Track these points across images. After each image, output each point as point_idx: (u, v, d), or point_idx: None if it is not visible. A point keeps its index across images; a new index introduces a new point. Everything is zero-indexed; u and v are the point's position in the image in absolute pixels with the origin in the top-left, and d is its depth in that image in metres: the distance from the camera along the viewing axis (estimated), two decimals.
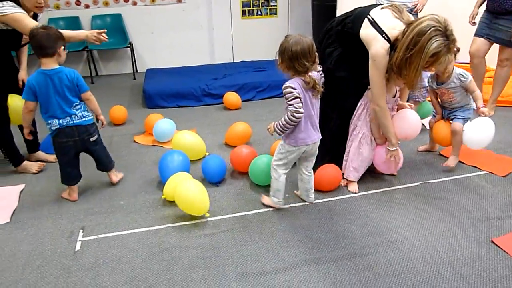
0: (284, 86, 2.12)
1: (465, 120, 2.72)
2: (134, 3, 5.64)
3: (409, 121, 2.52)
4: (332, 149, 2.68)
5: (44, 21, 5.38)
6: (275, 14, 6.17)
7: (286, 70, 2.14)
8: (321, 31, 2.65)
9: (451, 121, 2.76)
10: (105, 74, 5.84)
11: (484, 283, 1.83)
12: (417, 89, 3.13)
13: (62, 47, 2.37)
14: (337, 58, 2.48)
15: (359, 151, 2.56)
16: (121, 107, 3.90)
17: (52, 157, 3.06)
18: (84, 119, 2.47)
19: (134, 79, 5.54)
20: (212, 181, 2.70)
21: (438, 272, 1.90)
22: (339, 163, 2.66)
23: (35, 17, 2.71)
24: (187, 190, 2.26)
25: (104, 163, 2.67)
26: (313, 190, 2.48)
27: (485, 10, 3.52)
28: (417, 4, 3.76)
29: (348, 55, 2.46)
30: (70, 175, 2.53)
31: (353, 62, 2.43)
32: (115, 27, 5.55)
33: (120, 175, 2.80)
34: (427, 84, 3.03)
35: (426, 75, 3.06)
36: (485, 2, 3.49)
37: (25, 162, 2.93)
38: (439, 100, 2.84)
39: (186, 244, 2.13)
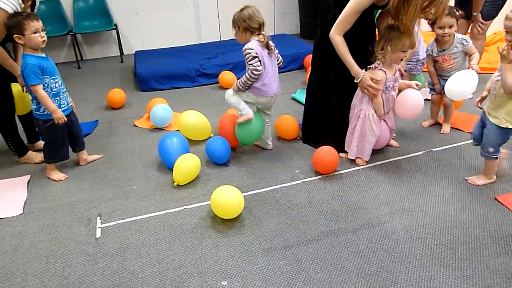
0: (243, 48, 2.48)
1: None
2: None
3: (412, 101, 2.51)
4: (332, 126, 2.73)
5: None
6: None
7: (244, 34, 2.52)
8: None
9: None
10: (91, 58, 5.68)
11: (497, 243, 1.93)
12: (412, 62, 3.19)
13: (16, 36, 2.30)
14: (331, 20, 2.43)
15: (366, 131, 2.54)
16: (120, 90, 3.84)
17: None
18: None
19: (122, 62, 5.41)
20: (220, 162, 2.71)
21: (452, 235, 1.99)
22: (337, 138, 2.71)
23: (33, 4, 2.61)
24: (225, 201, 2.14)
25: (82, 143, 2.83)
26: (271, 138, 2.86)
27: None
28: None
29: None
30: (69, 146, 2.74)
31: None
32: (99, 9, 5.37)
33: (54, 176, 2.69)
34: (422, 57, 3.09)
35: (422, 47, 3.11)
36: None
37: (29, 152, 2.88)
38: (437, 69, 2.90)
39: (207, 224, 2.16)
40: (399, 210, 2.20)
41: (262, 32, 2.49)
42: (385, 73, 2.43)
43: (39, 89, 2.35)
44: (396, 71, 2.53)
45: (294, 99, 3.82)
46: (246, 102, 2.62)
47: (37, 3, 2.68)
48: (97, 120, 3.56)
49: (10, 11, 2.35)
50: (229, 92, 2.65)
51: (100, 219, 2.26)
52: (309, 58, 4.41)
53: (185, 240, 2.06)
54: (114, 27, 5.33)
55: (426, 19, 2.60)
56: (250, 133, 2.69)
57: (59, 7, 5.20)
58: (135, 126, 3.43)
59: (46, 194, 2.53)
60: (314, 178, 2.53)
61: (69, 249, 2.04)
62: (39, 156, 2.88)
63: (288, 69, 4.55)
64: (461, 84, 2.44)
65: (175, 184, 2.47)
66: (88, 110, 3.83)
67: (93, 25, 5.35)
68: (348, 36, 2.38)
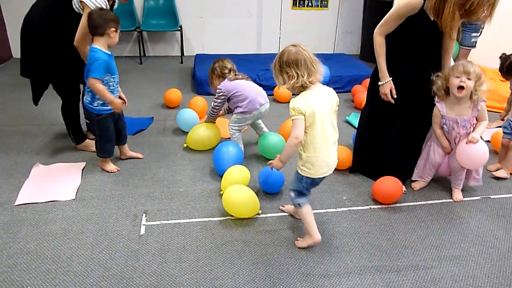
0: (218, 91, 2.90)
1: None
2: None
3: (471, 153, 2.39)
4: (392, 157, 2.65)
5: None
6: (326, 6, 6.06)
7: (216, 80, 2.97)
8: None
9: None
10: (153, 55, 5.90)
11: None
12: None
13: (113, 29, 2.43)
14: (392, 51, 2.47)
15: (428, 158, 2.57)
16: (177, 90, 3.95)
17: None
18: (85, 101, 2.63)
19: (181, 62, 5.57)
20: (272, 191, 2.63)
21: None
22: (395, 169, 2.64)
23: (112, 6, 2.76)
24: (232, 197, 2.27)
25: (125, 137, 2.89)
26: None
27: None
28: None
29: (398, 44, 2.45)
30: (116, 137, 2.81)
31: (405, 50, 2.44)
32: (167, 9, 5.58)
33: (107, 167, 2.78)
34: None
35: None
36: None
37: (87, 141, 3.01)
38: None
39: (247, 239, 2.16)
40: (449, 256, 2.09)
41: (231, 74, 2.93)
42: (439, 110, 2.41)
43: (98, 83, 2.46)
44: (472, 113, 2.37)
45: (347, 122, 3.76)
46: (247, 123, 2.98)
47: (116, 3, 2.82)
48: (152, 117, 3.68)
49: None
50: (233, 127, 2.96)
51: (145, 216, 2.32)
52: (367, 82, 4.34)
53: (225, 252, 2.06)
54: (179, 28, 5.51)
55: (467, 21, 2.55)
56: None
57: (130, 4, 5.45)
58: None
59: (98, 183, 2.63)
60: (362, 207, 2.47)
61: (114, 242, 2.11)
62: (93, 146, 3.00)
63: (345, 90, 4.48)
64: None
65: (221, 193, 2.49)
66: (145, 105, 3.96)
67: (159, 24, 5.56)
68: (414, 57, 2.41)
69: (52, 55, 2.66)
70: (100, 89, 2.47)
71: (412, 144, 2.63)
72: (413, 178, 2.70)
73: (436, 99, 2.44)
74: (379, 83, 2.49)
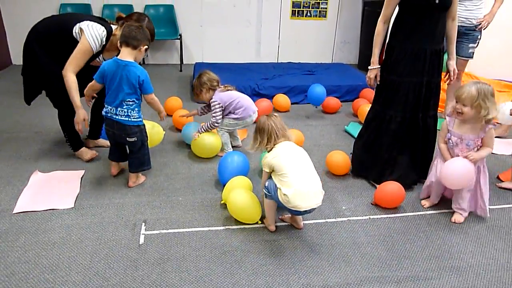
0: (211, 101, 3.04)
1: None
2: None
3: (462, 172, 2.30)
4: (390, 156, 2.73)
5: (98, 7, 5.48)
6: (325, 16, 6.11)
7: (208, 93, 3.08)
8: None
9: None
10: (152, 64, 5.91)
11: None
12: None
13: (146, 46, 2.46)
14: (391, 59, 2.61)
15: (435, 173, 2.53)
16: (177, 98, 3.96)
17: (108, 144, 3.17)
18: (127, 118, 2.50)
19: (181, 70, 5.59)
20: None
21: None
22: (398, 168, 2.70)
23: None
24: (237, 199, 2.31)
25: (131, 164, 2.66)
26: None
27: None
28: (482, 21, 3.65)
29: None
30: (111, 151, 2.74)
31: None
32: (167, 18, 5.61)
33: (138, 180, 2.73)
34: None
35: None
36: None
37: (83, 149, 3.00)
38: None
39: (247, 248, 2.15)
40: (448, 267, 2.08)
41: (221, 86, 3.10)
42: (447, 123, 2.42)
43: (154, 96, 2.52)
44: (479, 134, 2.32)
45: (346, 131, 3.77)
46: (236, 128, 3.19)
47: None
48: None
49: (94, 49, 2.62)
50: (223, 129, 3.13)
51: (144, 225, 2.31)
52: (366, 92, 4.37)
53: (224, 262, 2.05)
54: (179, 37, 5.54)
55: None
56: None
57: (131, 12, 5.47)
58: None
59: (97, 191, 2.62)
60: (361, 218, 2.47)
61: (113, 251, 2.09)
62: (88, 154, 2.99)
63: (344, 100, 4.50)
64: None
65: (222, 202, 2.48)
66: (145, 114, 3.92)
67: (159, 33, 5.56)
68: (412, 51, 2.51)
69: (48, 72, 2.69)
70: (157, 101, 2.57)
71: (406, 141, 2.69)
72: (421, 197, 2.68)
73: (447, 112, 2.46)
74: (369, 67, 2.64)
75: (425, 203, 2.63)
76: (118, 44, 2.45)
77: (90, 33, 2.57)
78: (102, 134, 3.25)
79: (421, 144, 2.70)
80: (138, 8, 5.57)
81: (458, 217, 2.48)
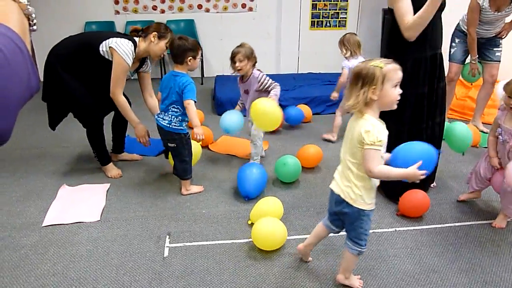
0: (259, 78, 2.95)
1: None
2: (207, 10, 5.78)
3: None
4: None
5: (121, 24, 5.64)
6: (344, 26, 6.10)
7: (251, 67, 2.99)
8: None
9: None
10: None
11: None
12: None
13: (190, 58, 2.53)
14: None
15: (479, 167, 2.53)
16: (200, 111, 3.98)
17: (137, 156, 3.25)
18: (168, 124, 2.60)
19: (202, 83, 5.66)
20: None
21: None
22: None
23: (142, 63, 2.89)
24: (266, 232, 2.18)
25: (177, 169, 2.75)
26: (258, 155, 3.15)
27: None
28: (501, 32, 3.60)
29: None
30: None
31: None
32: (188, 32, 5.70)
33: (192, 189, 2.79)
34: None
35: None
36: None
37: (110, 164, 3.06)
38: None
39: (271, 262, 2.14)
40: (480, 281, 2.01)
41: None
42: (498, 116, 2.37)
43: (193, 105, 2.55)
44: None
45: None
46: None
47: (148, 63, 2.97)
48: None
49: (129, 64, 2.68)
50: (259, 134, 3.05)
51: (169, 238, 2.33)
52: None
53: (248, 275, 2.04)
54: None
55: None
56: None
57: None
58: (209, 149, 3.53)
59: (122, 204, 2.67)
60: (387, 230, 2.42)
61: (138, 264, 2.12)
62: (113, 172, 3.02)
63: None
64: None
65: (249, 222, 2.45)
66: None
67: None
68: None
69: (73, 93, 2.74)
70: (194, 111, 2.56)
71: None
72: (466, 183, 2.70)
73: (500, 106, 2.39)
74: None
75: (462, 196, 2.69)
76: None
77: (123, 50, 2.62)
78: (126, 147, 3.33)
79: None
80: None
81: (501, 222, 2.44)
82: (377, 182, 1.73)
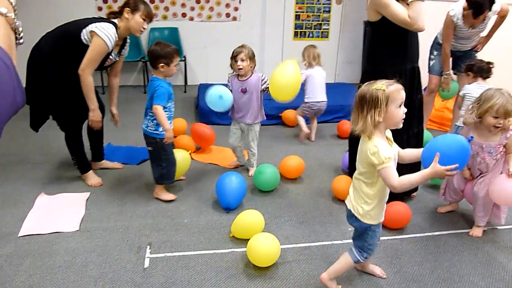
0: (263, 77, 2.99)
1: None
2: (191, 19, 5.78)
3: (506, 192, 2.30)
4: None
5: None
6: (327, 37, 6.19)
7: (252, 65, 3.00)
8: None
9: None
10: None
11: None
12: None
13: (163, 64, 2.52)
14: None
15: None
16: (182, 119, 3.97)
17: (118, 165, 3.22)
18: (145, 127, 2.67)
19: (185, 92, 5.64)
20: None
21: None
22: None
23: (123, 45, 2.85)
24: (260, 250, 2.13)
25: (153, 175, 2.78)
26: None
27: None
28: (477, 45, 3.71)
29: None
30: None
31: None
32: (171, 40, 5.68)
33: (162, 196, 2.78)
34: None
35: None
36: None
37: (90, 172, 3.01)
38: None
39: (253, 272, 2.13)
40: None
41: None
42: (466, 133, 2.37)
43: (161, 109, 2.53)
44: (500, 139, 2.33)
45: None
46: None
47: (127, 47, 2.91)
48: None
49: (110, 47, 2.61)
50: (254, 142, 3.16)
51: (149, 248, 2.29)
52: None
53: (230, 286, 2.03)
54: (183, 58, 5.61)
55: None
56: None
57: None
58: (191, 158, 3.50)
59: (102, 214, 2.62)
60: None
61: (118, 275, 2.08)
62: (93, 180, 2.97)
63: (348, 119, 4.51)
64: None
65: (231, 235, 2.41)
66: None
67: None
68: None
69: (56, 90, 2.69)
70: (162, 114, 2.53)
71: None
72: (439, 197, 2.74)
73: (462, 123, 2.45)
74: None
75: (441, 209, 2.72)
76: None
77: (104, 33, 2.56)
78: (108, 155, 3.28)
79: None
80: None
81: (477, 231, 2.51)
82: (386, 199, 1.81)
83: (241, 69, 2.95)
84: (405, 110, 1.66)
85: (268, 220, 2.56)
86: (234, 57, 2.98)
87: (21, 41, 0.75)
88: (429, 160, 1.60)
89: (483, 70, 3.17)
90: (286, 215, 2.68)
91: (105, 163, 3.22)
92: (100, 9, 5.54)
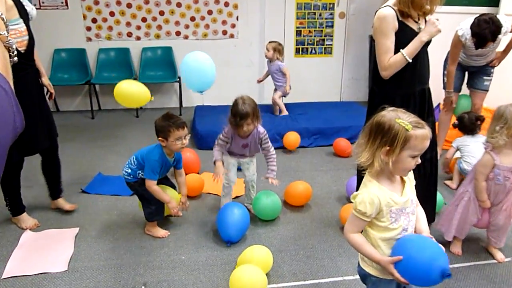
0: (265, 133, 2.84)
1: None
2: (186, 37, 5.89)
3: None
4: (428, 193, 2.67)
5: (94, 51, 5.69)
6: (330, 53, 6.28)
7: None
8: None
9: None
10: (150, 108, 6.03)
11: None
12: None
13: (160, 138, 2.61)
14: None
15: (468, 214, 2.51)
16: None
17: (69, 206, 3.07)
18: (123, 173, 2.79)
19: (180, 114, 5.69)
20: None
21: None
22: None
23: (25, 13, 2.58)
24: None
25: (144, 213, 2.82)
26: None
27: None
28: (494, 61, 3.78)
29: None
30: None
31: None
32: (165, 60, 5.79)
33: (154, 233, 2.79)
34: None
35: None
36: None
37: (23, 215, 2.89)
38: None
39: None
40: None
41: None
42: (493, 158, 2.35)
43: (154, 185, 2.63)
44: None
45: None
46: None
47: (32, 12, 2.61)
48: None
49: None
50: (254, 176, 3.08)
51: None
52: None
53: None
54: (178, 79, 5.68)
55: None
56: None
57: (127, 55, 5.67)
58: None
59: (92, 252, 2.61)
60: (352, 277, 2.41)
61: None
62: (28, 223, 2.87)
63: (353, 142, 4.53)
64: None
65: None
66: None
67: (157, 76, 5.75)
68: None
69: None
70: (158, 191, 2.65)
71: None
72: (448, 239, 2.58)
73: (488, 146, 2.39)
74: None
75: (458, 250, 2.63)
76: None
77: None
78: (97, 187, 3.28)
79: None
80: (134, 51, 5.76)
81: (500, 255, 2.55)
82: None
83: (247, 133, 2.77)
84: (419, 162, 1.46)
85: (273, 254, 2.53)
86: (239, 120, 2.67)
87: (15, 59, 0.77)
88: (396, 252, 1.47)
89: (467, 128, 3.43)
90: (292, 248, 2.66)
91: (60, 201, 3.08)
92: (89, 29, 5.64)
